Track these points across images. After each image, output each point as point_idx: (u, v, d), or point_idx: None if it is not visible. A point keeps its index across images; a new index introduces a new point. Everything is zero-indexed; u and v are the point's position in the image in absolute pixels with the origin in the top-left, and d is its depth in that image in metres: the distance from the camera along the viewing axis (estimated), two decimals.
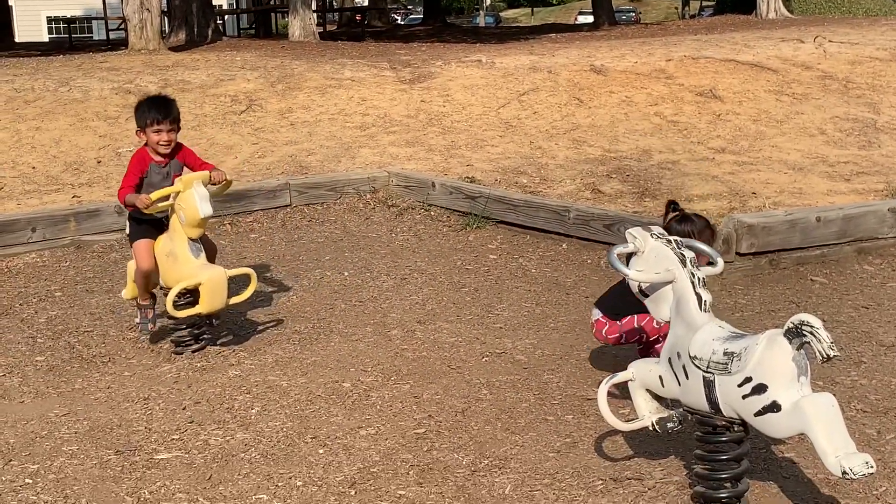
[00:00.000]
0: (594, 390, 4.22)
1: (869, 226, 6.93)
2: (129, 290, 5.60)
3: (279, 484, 3.91)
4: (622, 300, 4.56)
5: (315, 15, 22.71)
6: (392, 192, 8.70)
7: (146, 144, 5.35)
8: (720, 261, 3.74)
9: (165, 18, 19.21)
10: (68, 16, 31.14)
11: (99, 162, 9.54)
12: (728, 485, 3.48)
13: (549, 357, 5.20)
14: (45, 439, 4.37)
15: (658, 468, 3.95)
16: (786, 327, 3.18)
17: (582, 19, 48.28)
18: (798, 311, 5.59)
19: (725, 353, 3.31)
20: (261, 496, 3.82)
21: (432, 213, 8.26)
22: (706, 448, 3.52)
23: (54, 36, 38.20)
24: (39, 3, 40.81)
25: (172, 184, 5.32)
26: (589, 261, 6.97)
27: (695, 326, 3.46)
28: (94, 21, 33.81)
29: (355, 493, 3.82)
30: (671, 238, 3.61)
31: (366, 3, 38.64)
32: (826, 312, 5.74)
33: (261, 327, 5.76)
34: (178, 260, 5.23)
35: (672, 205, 4.56)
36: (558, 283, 6.51)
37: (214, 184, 5.33)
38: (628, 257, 3.69)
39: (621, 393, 4.35)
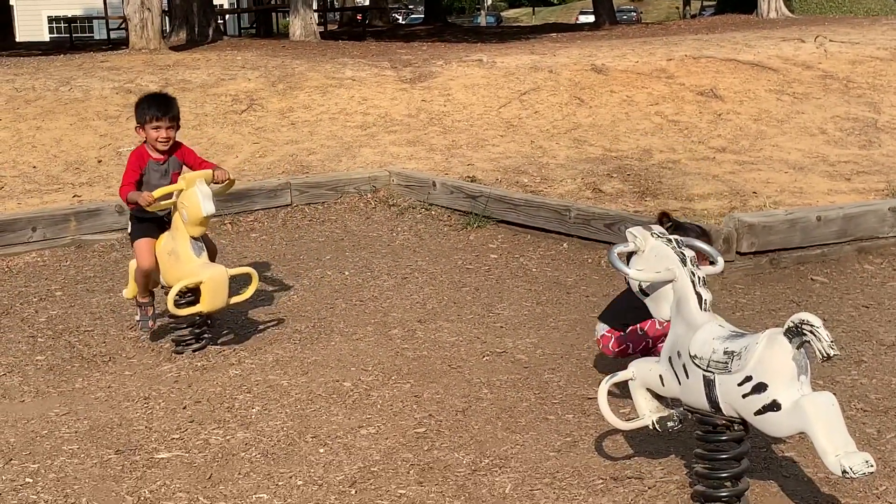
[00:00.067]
0: (594, 389, 4.22)
1: (869, 225, 6.93)
2: (130, 289, 5.60)
3: (279, 483, 3.91)
4: (625, 309, 4.56)
5: (316, 14, 22.72)
6: (393, 192, 8.70)
7: (145, 142, 5.36)
8: (720, 260, 3.74)
9: (166, 18, 19.22)
10: (69, 15, 31.14)
11: (99, 161, 9.54)
12: (728, 484, 3.48)
13: (550, 356, 5.20)
14: (46, 438, 4.37)
15: (658, 467, 3.95)
16: (786, 326, 3.18)
17: (583, 19, 48.26)
18: (798, 310, 5.58)
19: (726, 352, 3.31)
20: (261, 495, 3.82)
21: (433, 212, 8.26)
22: (706, 447, 3.51)
23: (55, 35, 38.20)
24: (40, 2, 40.81)
25: (171, 181, 5.33)
26: (590, 260, 6.96)
27: (695, 325, 3.45)
28: (94, 20, 33.80)
29: (356, 492, 3.82)
30: (671, 237, 3.61)
31: (367, 3, 38.64)
32: (826, 312, 5.74)
33: (261, 326, 5.76)
34: (179, 258, 5.24)
35: (664, 216, 4.51)
36: (559, 283, 6.51)
37: (217, 182, 5.34)
38: (629, 256, 3.69)
39: (622, 392, 4.34)
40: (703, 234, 4.56)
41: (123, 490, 3.89)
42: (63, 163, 9.48)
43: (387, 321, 5.81)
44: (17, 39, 26.61)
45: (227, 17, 31.98)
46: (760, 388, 3.20)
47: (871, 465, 3.06)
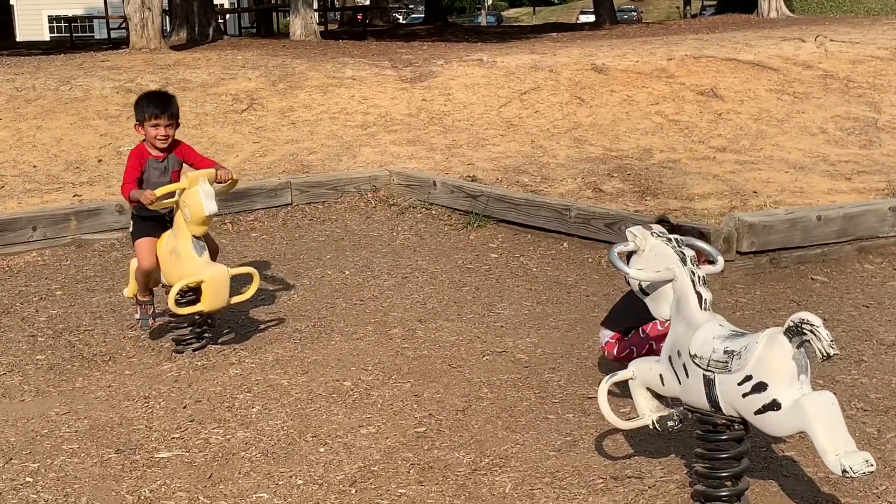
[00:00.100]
0: (595, 389, 4.22)
1: (869, 225, 6.93)
2: (130, 288, 5.60)
3: (280, 482, 3.91)
4: (627, 312, 4.55)
5: (316, 14, 22.72)
6: (393, 191, 8.70)
7: (144, 140, 5.37)
8: (720, 259, 3.74)
9: (167, 17, 19.22)
10: (69, 15, 31.12)
11: (100, 161, 9.54)
12: (728, 483, 3.48)
13: (550, 356, 5.20)
14: (46, 438, 4.37)
15: (658, 466, 3.95)
16: (786, 326, 3.18)
17: (583, 18, 48.26)
18: (798, 309, 5.58)
19: (726, 352, 3.31)
20: (261, 495, 3.82)
21: (433, 211, 8.26)
22: (706, 446, 3.52)
23: (55, 35, 38.18)
24: (41, 1, 40.79)
25: (170, 179, 5.33)
26: (590, 259, 6.96)
27: (695, 325, 3.45)
28: (95, 20, 33.78)
29: (356, 491, 3.82)
30: (671, 236, 3.61)
31: (367, 3, 38.63)
32: (827, 311, 5.74)
33: (262, 326, 5.76)
34: (181, 257, 5.24)
35: (662, 222, 4.52)
36: (559, 282, 6.51)
37: (220, 182, 5.34)
38: (629, 256, 3.69)
39: (622, 391, 4.34)
40: (701, 238, 4.55)
41: (123, 489, 3.89)
42: (63, 162, 9.48)
43: (387, 320, 5.81)
44: (18, 39, 26.61)
45: (227, 16, 31.98)
46: (760, 387, 3.20)
47: (871, 465, 3.06)
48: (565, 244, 7.30)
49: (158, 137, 5.30)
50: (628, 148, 9.98)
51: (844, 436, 3.11)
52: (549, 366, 5.06)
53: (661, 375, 3.62)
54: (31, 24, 38.44)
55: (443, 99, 11.56)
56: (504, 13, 74.50)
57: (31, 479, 3.99)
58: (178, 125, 5.42)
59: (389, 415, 4.51)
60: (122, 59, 13.64)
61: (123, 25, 20.10)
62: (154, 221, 5.40)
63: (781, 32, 16.01)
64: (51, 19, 40.78)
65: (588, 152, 9.83)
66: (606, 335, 4.77)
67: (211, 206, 5.12)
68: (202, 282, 5.18)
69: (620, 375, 3.80)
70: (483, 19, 57.47)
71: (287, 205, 8.40)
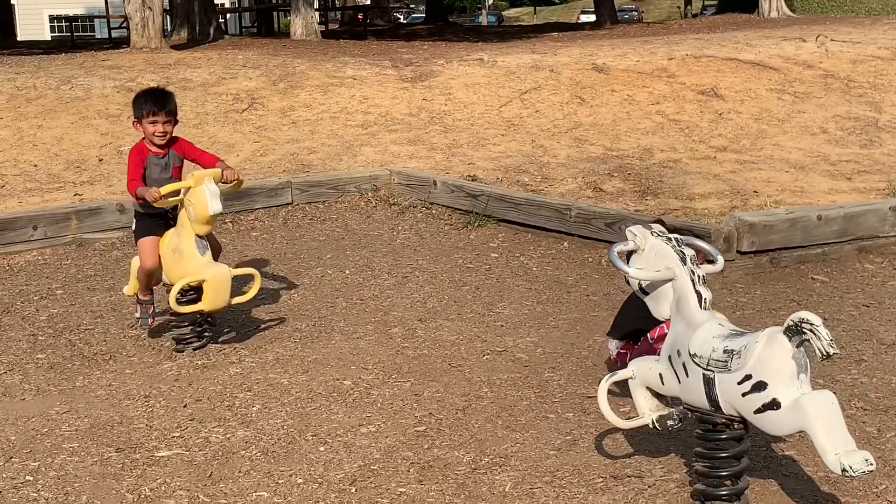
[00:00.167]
0: (594, 388, 4.22)
1: (870, 224, 6.93)
2: (131, 286, 5.61)
3: (280, 481, 3.91)
4: (631, 319, 4.54)
5: (317, 13, 22.72)
6: (393, 191, 8.70)
7: (144, 138, 5.38)
8: (720, 259, 3.74)
9: (167, 17, 19.22)
10: (70, 14, 31.14)
11: (100, 160, 9.55)
12: (728, 482, 3.48)
13: (550, 355, 5.21)
14: (46, 437, 4.38)
15: (658, 466, 3.95)
16: (786, 325, 3.18)
17: (584, 18, 48.26)
18: (798, 308, 5.58)
19: (725, 351, 3.31)
20: (261, 493, 3.82)
21: (434, 211, 8.26)
22: (706, 446, 3.52)
23: (56, 34, 38.19)
24: (42, 1, 40.81)
25: (171, 175, 5.34)
26: (590, 259, 6.97)
27: (695, 324, 3.46)
28: (96, 19, 33.77)
29: (356, 490, 3.83)
30: (671, 236, 3.61)
31: (368, 2, 38.64)
32: (827, 311, 5.74)
33: (262, 325, 5.76)
34: (183, 256, 5.24)
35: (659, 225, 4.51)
36: (559, 282, 6.51)
37: (226, 182, 5.34)
38: (629, 255, 3.69)
39: (621, 391, 4.34)
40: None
41: (124, 488, 3.89)
42: (64, 161, 9.48)
43: (387, 320, 5.81)
44: (19, 38, 26.60)
45: (228, 16, 31.99)
46: (760, 386, 3.20)
47: (871, 464, 3.06)
48: (565, 244, 7.30)
49: (156, 134, 5.30)
50: (629, 147, 9.98)
51: (844, 435, 3.11)
52: (549, 365, 5.06)
53: (660, 375, 3.63)
54: (32, 24, 38.45)
55: (443, 98, 11.57)
56: (505, 13, 74.49)
57: (31, 478, 4.00)
58: (176, 122, 5.43)
59: (389, 414, 4.51)
60: (123, 59, 13.64)
61: (124, 25, 20.10)
62: (157, 219, 5.40)
63: (782, 32, 16.01)
64: (52, 19, 40.79)
65: (588, 152, 9.83)
66: (615, 347, 4.74)
67: (216, 206, 5.12)
68: (204, 281, 5.19)
69: (620, 375, 3.80)
70: (484, 19, 57.47)
71: (287, 204, 8.41)
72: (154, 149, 5.34)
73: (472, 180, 8.56)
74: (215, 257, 5.40)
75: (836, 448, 3.07)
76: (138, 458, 4.14)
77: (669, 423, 3.70)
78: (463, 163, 9.35)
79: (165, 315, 5.62)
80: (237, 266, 6.21)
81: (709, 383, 3.37)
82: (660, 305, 3.64)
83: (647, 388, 3.74)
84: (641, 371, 3.73)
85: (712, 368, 3.35)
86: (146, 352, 5.42)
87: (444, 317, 5.84)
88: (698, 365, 3.40)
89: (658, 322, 3.87)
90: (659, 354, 4.55)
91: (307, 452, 4.15)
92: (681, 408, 3.64)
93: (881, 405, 4.48)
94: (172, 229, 5.35)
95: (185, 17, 18.62)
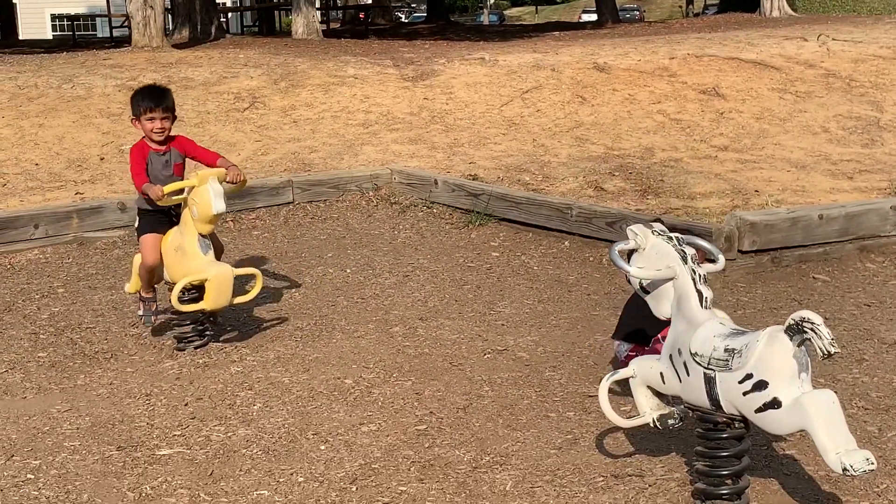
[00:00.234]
0: (595, 387, 4.22)
1: (871, 224, 6.93)
2: (133, 284, 5.61)
3: (280, 480, 3.91)
4: (637, 318, 4.53)
5: (319, 12, 22.71)
6: (395, 190, 8.70)
7: (144, 136, 5.38)
8: (721, 258, 3.74)
9: (169, 16, 19.23)
10: (72, 13, 31.17)
11: (102, 159, 9.55)
12: (729, 481, 3.48)
13: (551, 354, 5.21)
14: (47, 435, 4.38)
15: (659, 465, 3.95)
16: (787, 324, 3.18)
17: (586, 17, 48.24)
18: (800, 308, 5.59)
19: (726, 350, 3.31)
20: (262, 492, 3.83)
21: (435, 210, 8.26)
22: (707, 445, 3.52)
23: (58, 33, 38.18)
24: (43, 0, 40.83)
25: (172, 172, 5.34)
26: (591, 258, 6.97)
27: (696, 323, 3.45)
28: (97, 18, 33.81)
29: (356, 489, 3.83)
30: (672, 235, 3.61)
31: (369, 1, 38.65)
32: (828, 310, 5.74)
33: (263, 324, 5.76)
34: (186, 255, 5.24)
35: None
36: (560, 281, 6.51)
37: (231, 182, 5.34)
38: (629, 254, 3.69)
39: (622, 390, 4.34)
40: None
41: (125, 486, 3.89)
42: (65, 160, 9.49)
43: (388, 319, 5.82)
44: (21, 37, 26.62)
45: (229, 14, 32.00)
46: (761, 385, 3.20)
47: (872, 463, 3.06)
48: (566, 243, 7.30)
49: (154, 131, 5.31)
50: (630, 147, 9.98)
51: (845, 434, 3.10)
52: (550, 364, 5.06)
53: (661, 374, 3.62)
54: (33, 23, 38.47)
55: (444, 98, 11.57)
56: (506, 12, 74.49)
57: (32, 476, 4.00)
58: (174, 118, 5.43)
59: (390, 412, 4.51)
60: (125, 58, 13.65)
61: (126, 24, 20.10)
62: (160, 216, 5.41)
63: (784, 31, 16.00)
64: (53, 17, 40.81)
65: (590, 151, 9.83)
66: (624, 348, 4.72)
67: (219, 205, 5.13)
68: (206, 280, 5.19)
69: (621, 374, 3.80)
70: (485, 18, 57.46)
71: (289, 203, 8.41)
72: (154, 146, 5.35)
73: (473, 179, 8.56)
74: (217, 258, 5.40)
75: (837, 447, 3.06)
76: (139, 456, 4.14)
77: (670, 422, 3.70)
78: (464, 162, 9.35)
79: (167, 313, 5.62)
80: (238, 265, 6.22)
81: (710, 382, 3.37)
82: (661, 304, 3.64)
83: (648, 387, 3.73)
84: (642, 370, 3.73)
85: (713, 367, 3.35)
86: (147, 350, 5.42)
87: (445, 316, 5.84)
88: (699, 364, 3.40)
89: (666, 324, 3.86)
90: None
91: (308, 451, 4.15)
92: (682, 407, 3.64)
93: (882, 404, 4.48)
94: (175, 228, 5.36)
95: (187, 15, 18.62)
